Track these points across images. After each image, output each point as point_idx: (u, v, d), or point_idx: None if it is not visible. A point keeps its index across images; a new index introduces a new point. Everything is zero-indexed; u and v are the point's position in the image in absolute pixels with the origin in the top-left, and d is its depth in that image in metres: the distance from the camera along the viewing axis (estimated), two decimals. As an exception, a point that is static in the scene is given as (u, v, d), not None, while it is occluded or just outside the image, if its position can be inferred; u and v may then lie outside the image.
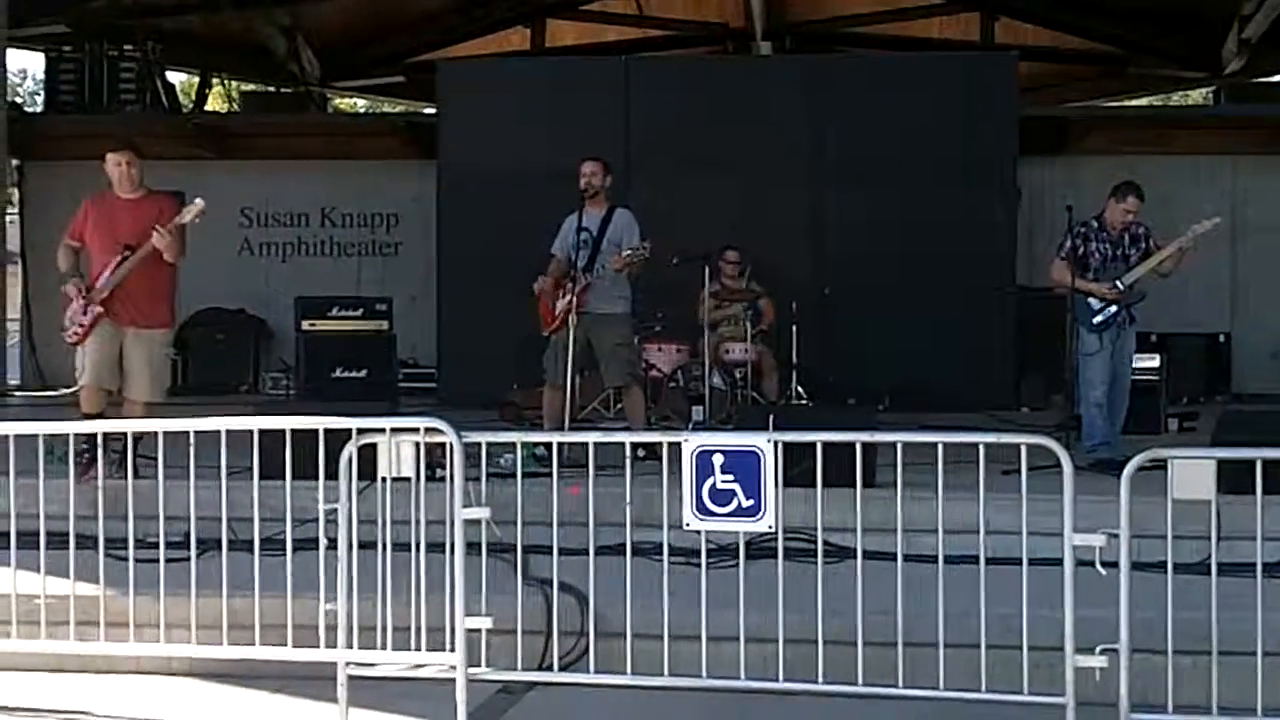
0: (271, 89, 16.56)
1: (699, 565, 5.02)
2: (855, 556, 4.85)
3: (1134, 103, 18.43)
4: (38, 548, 5.41)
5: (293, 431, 5.18)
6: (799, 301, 10.28)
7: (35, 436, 5.50)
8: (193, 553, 5.44)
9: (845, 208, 11.98)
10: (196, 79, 17.47)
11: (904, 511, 5.01)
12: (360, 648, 4.92)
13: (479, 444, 5.04)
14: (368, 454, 5.00)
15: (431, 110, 13.67)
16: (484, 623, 4.84)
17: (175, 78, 16.43)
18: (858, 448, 4.82)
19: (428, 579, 4.93)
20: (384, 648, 4.95)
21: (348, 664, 4.87)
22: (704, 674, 4.87)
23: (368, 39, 17.12)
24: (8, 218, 14.18)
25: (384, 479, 5.00)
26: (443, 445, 4.96)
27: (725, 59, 16.29)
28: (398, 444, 4.98)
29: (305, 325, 10.58)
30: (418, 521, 4.95)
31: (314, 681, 5.06)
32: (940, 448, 4.72)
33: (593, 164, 8.01)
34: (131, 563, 5.31)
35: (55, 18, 14.51)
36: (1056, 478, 4.54)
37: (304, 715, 5.08)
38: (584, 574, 5.13)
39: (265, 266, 14.50)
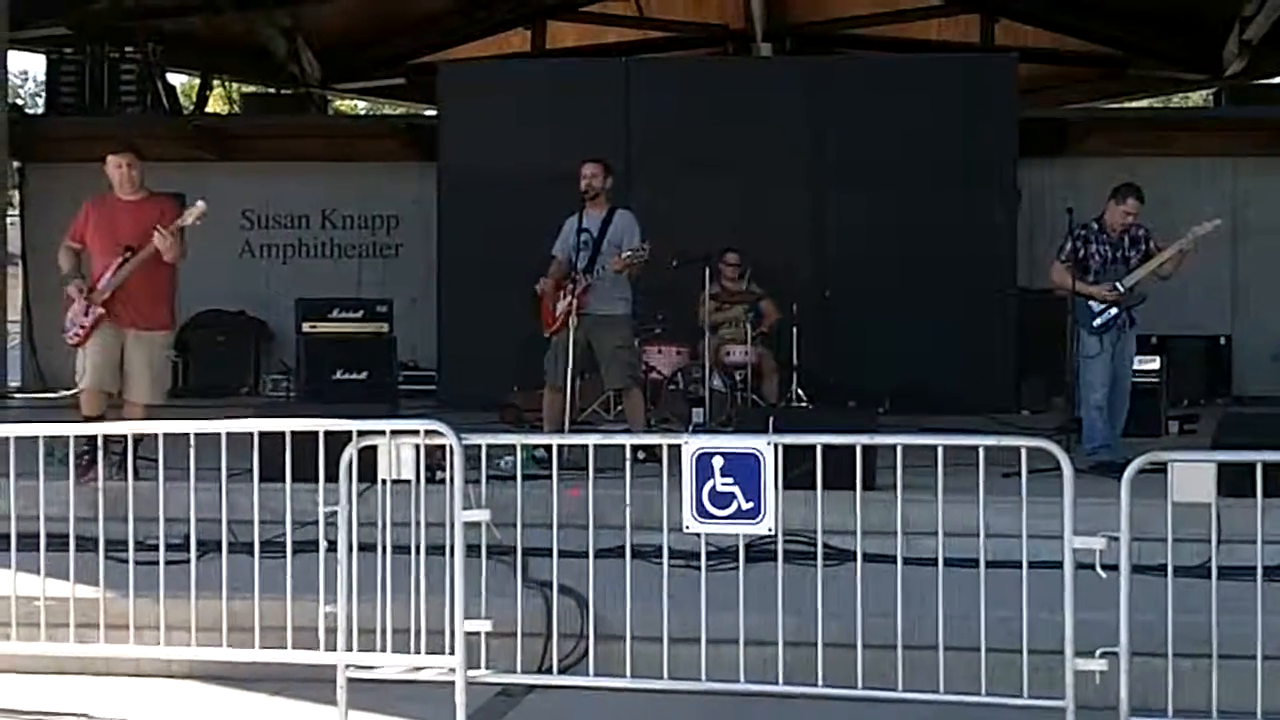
0: (272, 91, 16.58)
1: (699, 568, 5.02)
2: (855, 559, 4.84)
3: (1134, 104, 18.43)
4: (38, 550, 5.41)
5: (293, 433, 5.18)
6: (799, 304, 10.29)
7: (35, 438, 5.49)
8: (193, 555, 5.43)
9: (845, 209, 11.99)
10: (197, 81, 17.48)
11: (904, 514, 5.02)
12: (360, 650, 4.92)
13: (479, 446, 5.04)
14: (368, 456, 5.00)
15: (432, 112, 13.68)
16: (484, 625, 4.84)
17: (176, 79, 16.46)
18: (858, 450, 4.82)
19: (427, 581, 4.93)
20: (384, 650, 4.95)
21: (347, 666, 4.87)
22: (704, 677, 4.87)
23: (368, 41, 17.14)
24: (8, 219, 14.19)
25: (384, 481, 5.01)
26: (443, 447, 4.95)
27: (725, 60, 16.31)
28: (398, 446, 4.98)
29: (306, 327, 10.58)
30: (418, 524, 4.95)
31: (314, 684, 5.05)
32: (940, 450, 4.72)
33: (593, 165, 8.01)
34: (131, 565, 5.31)
35: (56, 20, 14.53)
36: (1057, 480, 4.54)
37: (304, 717, 5.08)
38: (584, 576, 5.13)
39: (266, 268, 14.51)
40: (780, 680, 4.80)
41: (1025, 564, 4.66)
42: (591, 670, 5.04)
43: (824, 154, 12.14)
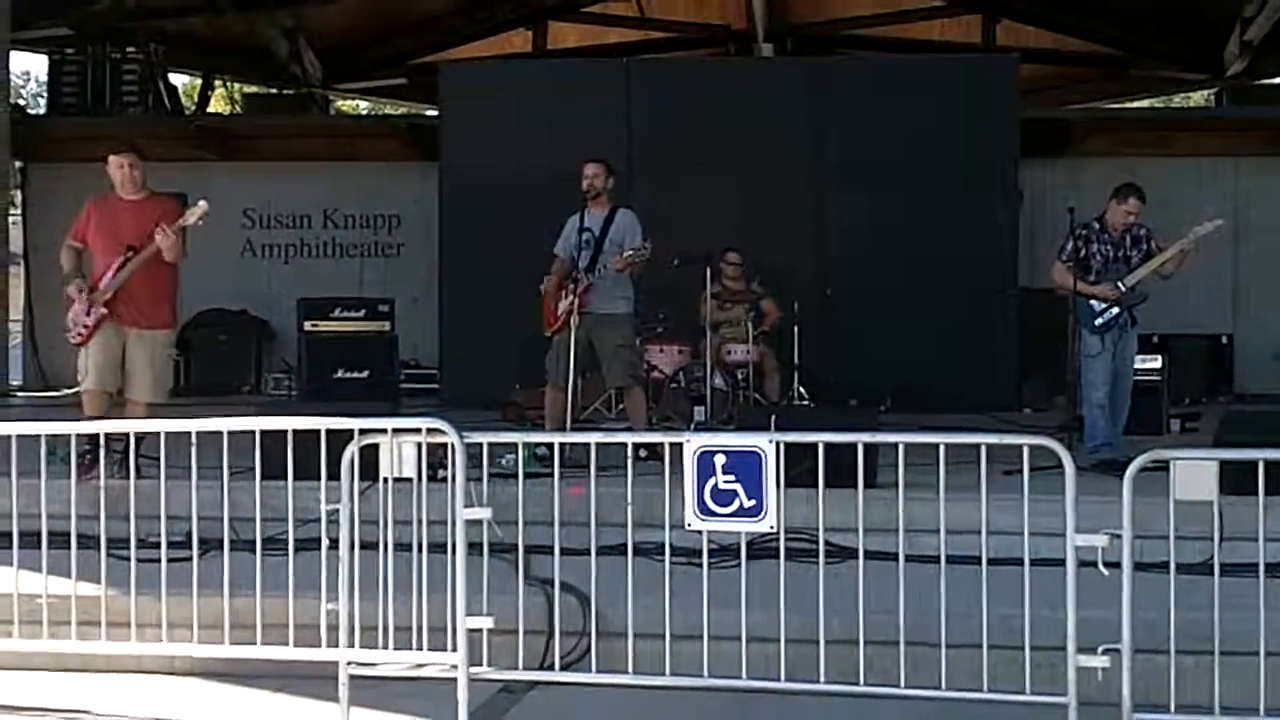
0: (274, 91, 16.59)
1: (700, 565, 5.03)
2: (857, 557, 4.85)
3: (1135, 105, 18.43)
4: (40, 548, 5.42)
5: (295, 432, 5.18)
6: (800, 303, 10.29)
7: (37, 437, 5.50)
8: (195, 553, 5.44)
9: (847, 209, 11.99)
10: (199, 81, 17.48)
11: (906, 512, 5.02)
12: (362, 647, 4.92)
13: (480, 444, 5.04)
14: (369, 454, 5.01)
15: (433, 112, 13.68)
16: (485, 622, 4.84)
17: (178, 80, 16.46)
18: (859, 448, 4.81)
19: (429, 579, 4.93)
20: (385, 647, 4.95)
21: (349, 663, 4.87)
22: (705, 674, 4.88)
23: (370, 41, 17.14)
24: (10, 219, 14.19)
25: (386, 479, 5.01)
26: (444, 446, 4.95)
27: (727, 61, 16.32)
28: (399, 444, 4.99)
29: (307, 326, 10.59)
30: (419, 521, 4.95)
31: (316, 681, 5.06)
32: (942, 448, 4.72)
33: (595, 165, 8.01)
34: (133, 562, 5.30)
35: (58, 20, 14.53)
36: (1058, 478, 4.54)
37: (306, 715, 5.08)
38: (585, 574, 5.13)
39: (267, 268, 14.52)
40: (782, 677, 4.81)
41: (1027, 561, 4.67)
42: (593, 667, 5.04)
43: (825, 154, 12.14)
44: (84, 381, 7.19)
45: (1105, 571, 4.45)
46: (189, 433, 5.26)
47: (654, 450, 6.25)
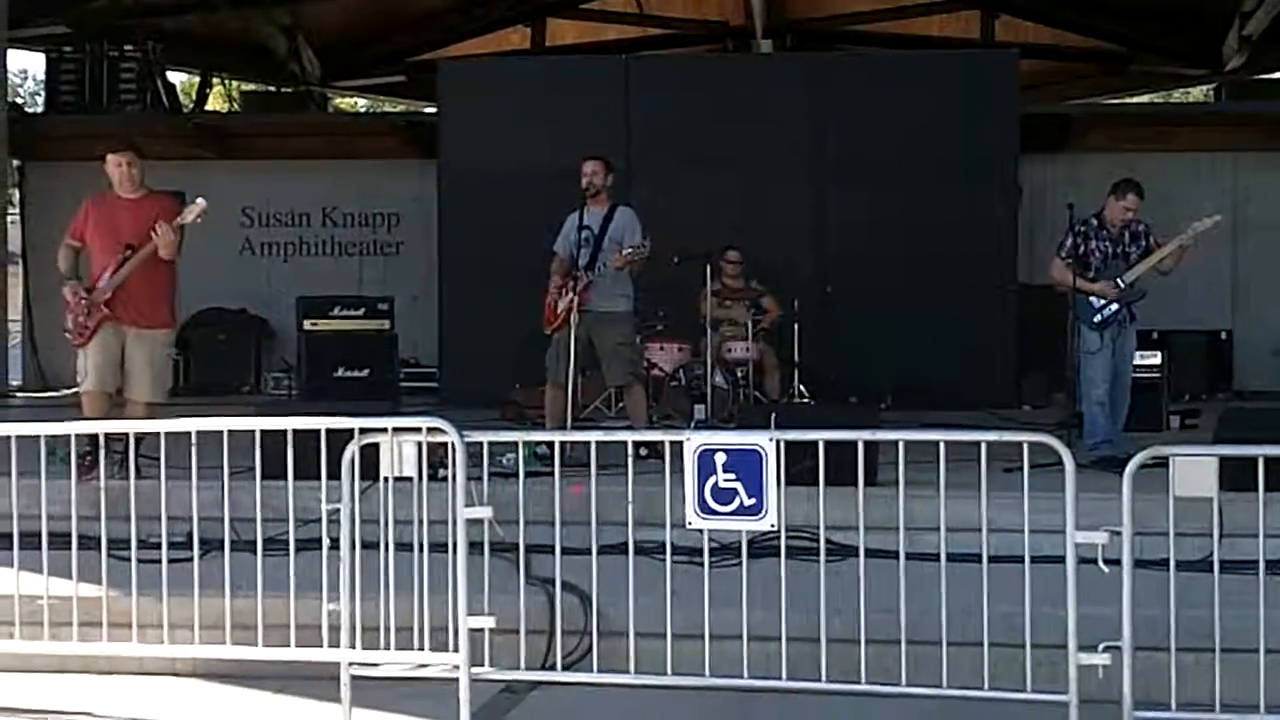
0: (272, 89, 16.56)
1: (701, 564, 5.03)
2: (858, 555, 4.85)
3: (1135, 100, 18.42)
4: (40, 549, 5.42)
5: (295, 431, 5.18)
6: (800, 300, 10.28)
7: (37, 438, 5.50)
8: (195, 553, 5.45)
9: (846, 206, 11.98)
10: (197, 79, 17.47)
11: (906, 509, 5.02)
12: (363, 648, 4.92)
13: (481, 443, 5.05)
14: (370, 454, 5.00)
15: (432, 109, 13.67)
16: (487, 622, 4.84)
17: (176, 78, 16.45)
18: (860, 446, 4.81)
19: (430, 579, 4.93)
20: (387, 648, 4.96)
21: (351, 664, 4.87)
22: (707, 673, 4.88)
23: (368, 38, 17.12)
24: (9, 218, 14.19)
25: (386, 479, 5.01)
26: (445, 445, 4.95)
27: (725, 57, 16.29)
28: (400, 444, 4.98)
29: (307, 325, 10.58)
30: (420, 521, 4.95)
31: (317, 682, 5.06)
32: (942, 446, 4.72)
33: (594, 163, 8.01)
34: (134, 563, 5.30)
35: (55, 18, 14.52)
36: (1058, 475, 4.55)
37: (307, 715, 5.09)
38: (586, 573, 5.13)
39: (266, 266, 14.51)
40: (783, 676, 4.81)
41: (1027, 559, 4.67)
42: (595, 667, 5.05)
43: (825, 150, 12.12)
44: (83, 382, 7.19)
45: (1105, 568, 4.45)
46: (189, 433, 5.26)
47: (654, 449, 6.25)
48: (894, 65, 13.31)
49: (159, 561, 5.32)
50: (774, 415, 6.60)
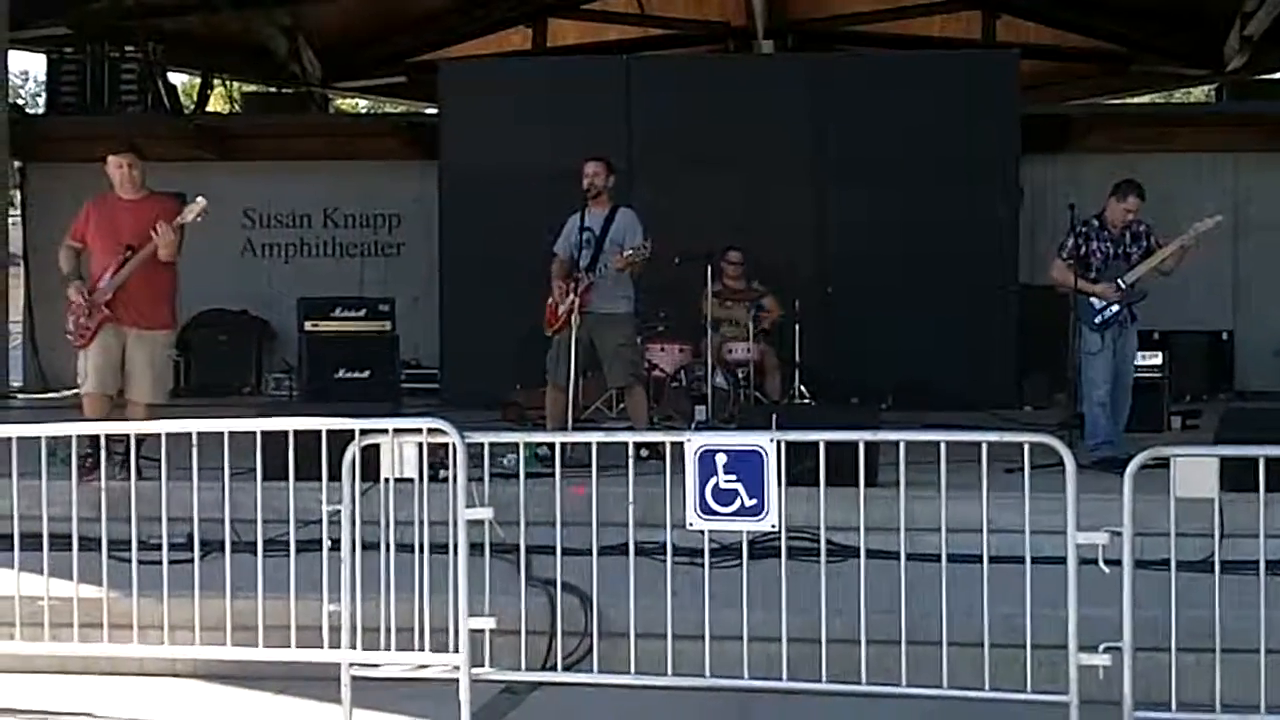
0: (273, 90, 16.58)
1: (702, 565, 5.03)
2: (858, 555, 4.85)
3: (1136, 100, 18.42)
4: (41, 550, 5.42)
5: (295, 432, 5.18)
6: (801, 300, 10.28)
7: (38, 439, 5.50)
8: (196, 554, 5.45)
9: (847, 206, 11.98)
10: (198, 80, 17.48)
11: (907, 510, 5.01)
12: (364, 649, 4.92)
13: (482, 444, 5.05)
14: (371, 455, 5.00)
15: (433, 110, 13.67)
16: (487, 623, 4.84)
17: (177, 79, 16.46)
18: (860, 447, 4.81)
19: (431, 580, 4.93)
20: (387, 648, 4.95)
21: (351, 665, 4.87)
22: (707, 673, 4.87)
23: (369, 39, 17.13)
24: (10, 219, 14.20)
25: (387, 480, 5.00)
26: (445, 446, 4.95)
27: (727, 58, 16.29)
28: (400, 445, 4.98)
29: (308, 326, 10.58)
30: (421, 522, 4.95)
31: (318, 682, 5.06)
32: (943, 446, 4.72)
33: (595, 164, 8.01)
34: (135, 564, 5.30)
35: (56, 19, 14.53)
36: (1059, 476, 4.55)
37: (308, 716, 5.08)
38: (587, 574, 5.13)
39: (268, 267, 14.52)
40: (784, 676, 4.81)
41: (1028, 559, 4.67)
42: (595, 667, 5.04)
43: (826, 151, 12.13)
44: (84, 385, 7.19)
45: (1106, 569, 4.45)
46: (190, 434, 5.25)
47: (655, 450, 6.26)
48: (895, 66, 13.32)
49: (160, 563, 5.32)
50: (775, 416, 6.60)
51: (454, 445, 4.87)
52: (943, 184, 11.71)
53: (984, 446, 4.75)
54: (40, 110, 17.09)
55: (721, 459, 4.75)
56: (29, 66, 28.26)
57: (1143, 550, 4.63)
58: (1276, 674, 4.55)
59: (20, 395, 13.60)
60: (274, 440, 5.24)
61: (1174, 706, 4.47)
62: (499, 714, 5.03)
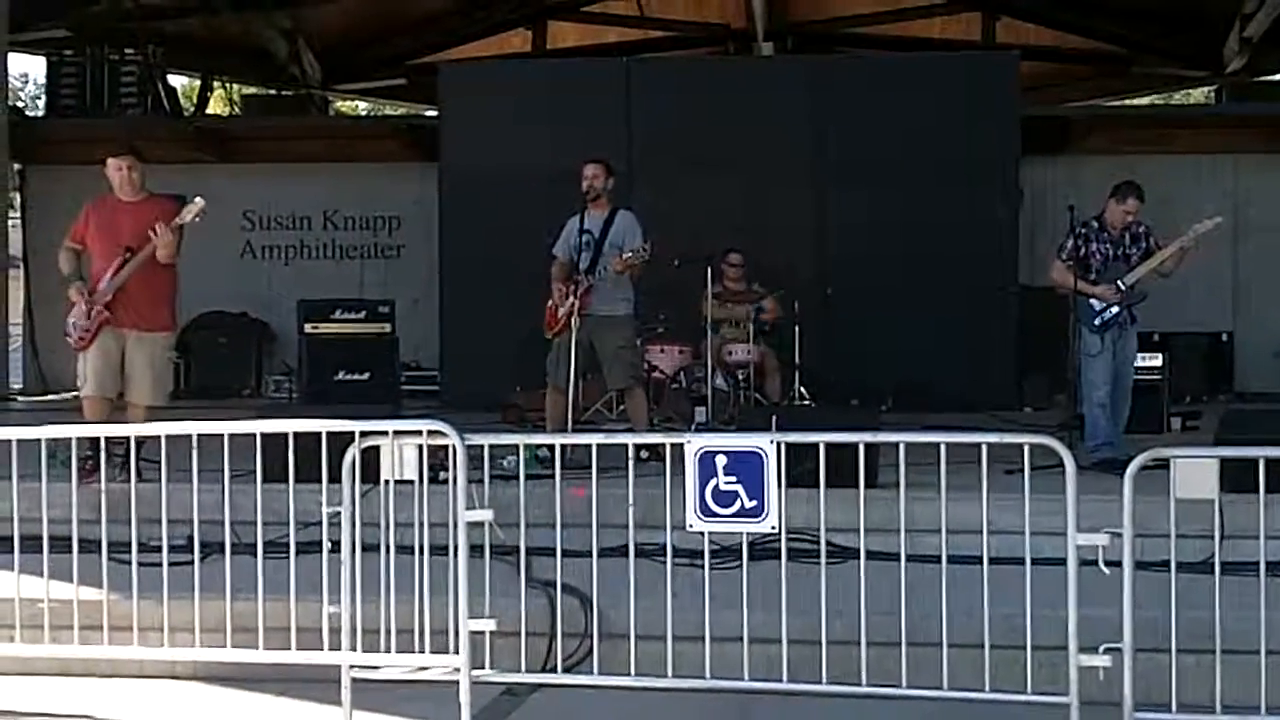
0: (273, 92, 16.59)
1: (702, 566, 5.02)
2: (858, 557, 4.85)
3: (1136, 102, 18.43)
4: (41, 552, 5.42)
5: (295, 434, 5.18)
6: (801, 302, 10.28)
7: (38, 441, 5.50)
8: (196, 556, 5.45)
9: (847, 208, 11.98)
10: (198, 82, 17.48)
11: (907, 512, 5.01)
12: (364, 650, 4.92)
13: (482, 446, 5.05)
14: (370, 457, 5.01)
15: (433, 112, 13.67)
16: (487, 625, 4.84)
17: (176, 81, 16.46)
18: (860, 448, 4.81)
19: (431, 581, 4.93)
20: (388, 650, 4.95)
21: (351, 666, 4.87)
22: (707, 675, 4.87)
23: (369, 41, 17.14)
24: (9, 222, 14.19)
25: (387, 481, 5.01)
26: (445, 447, 4.95)
27: (727, 60, 16.31)
28: (400, 446, 4.99)
29: (308, 328, 10.59)
30: (421, 524, 4.95)
31: (318, 684, 5.05)
32: (943, 448, 4.72)
33: (595, 166, 8.01)
34: (135, 566, 5.30)
35: (56, 22, 14.54)
36: (1059, 477, 4.55)
37: (308, 718, 5.08)
38: (587, 575, 5.13)
39: (267, 269, 14.52)
40: (784, 678, 4.81)
41: (1028, 561, 4.67)
42: (596, 669, 5.04)
43: (826, 153, 12.13)
44: (83, 388, 7.20)
45: (1106, 570, 4.45)
46: (190, 436, 5.25)
47: (655, 451, 6.25)
48: (895, 67, 13.33)
49: (160, 565, 5.32)
50: (775, 417, 6.61)
51: (454, 447, 4.87)
52: (943, 185, 11.71)
53: (984, 448, 4.75)
54: (40, 113, 17.08)
55: (721, 460, 4.75)
56: (29, 69, 28.31)
57: (1143, 551, 4.63)
58: (1277, 675, 4.55)
59: (20, 397, 13.60)
60: (274, 442, 5.24)
61: (1174, 708, 4.47)
62: (499, 715, 5.03)
